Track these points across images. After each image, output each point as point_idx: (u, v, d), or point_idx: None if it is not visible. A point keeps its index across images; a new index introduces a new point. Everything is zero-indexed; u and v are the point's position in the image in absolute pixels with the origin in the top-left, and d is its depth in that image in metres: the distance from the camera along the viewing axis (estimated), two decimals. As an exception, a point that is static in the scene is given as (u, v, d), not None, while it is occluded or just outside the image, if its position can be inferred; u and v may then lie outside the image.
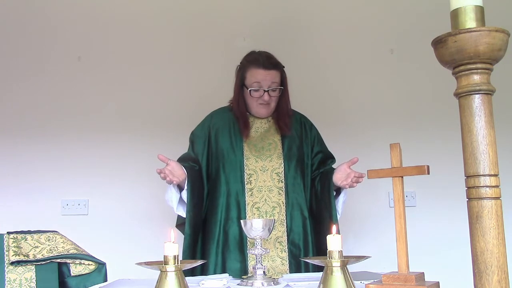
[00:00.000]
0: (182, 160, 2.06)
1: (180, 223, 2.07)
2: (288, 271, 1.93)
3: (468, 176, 0.92)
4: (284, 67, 2.10)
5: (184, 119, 2.83)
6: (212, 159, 2.08)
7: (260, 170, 2.02)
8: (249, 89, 2.03)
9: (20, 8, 2.95)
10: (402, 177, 1.25)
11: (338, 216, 2.04)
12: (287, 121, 2.08)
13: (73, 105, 2.91)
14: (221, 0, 2.98)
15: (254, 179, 2.01)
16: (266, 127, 2.11)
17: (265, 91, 2.02)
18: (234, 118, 2.10)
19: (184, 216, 1.98)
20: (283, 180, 2.01)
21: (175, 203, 1.99)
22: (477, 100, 0.92)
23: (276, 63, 2.06)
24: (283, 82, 2.08)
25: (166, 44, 2.97)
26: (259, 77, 2.02)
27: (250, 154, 2.04)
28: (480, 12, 0.92)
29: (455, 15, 0.93)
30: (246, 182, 2.00)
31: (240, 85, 2.08)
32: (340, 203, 2.06)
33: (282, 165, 2.03)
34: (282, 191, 2.01)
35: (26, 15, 2.95)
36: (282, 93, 2.08)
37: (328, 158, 2.17)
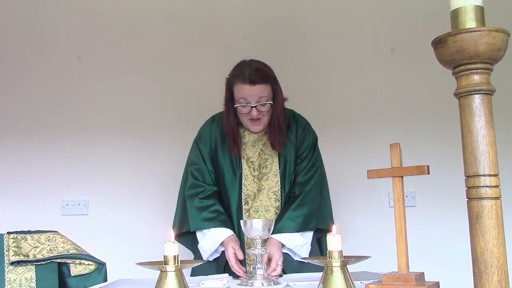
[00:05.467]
0: (205, 208, 1.95)
1: (182, 233, 2.01)
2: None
3: (468, 176, 0.92)
4: (275, 77, 1.96)
5: (184, 119, 2.84)
6: (215, 173, 2.04)
7: (258, 190, 1.98)
8: (236, 106, 1.93)
9: (20, 8, 2.95)
10: (402, 177, 1.24)
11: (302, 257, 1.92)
12: (278, 138, 1.97)
13: (73, 105, 2.92)
14: (221, 1, 2.98)
15: (251, 200, 1.97)
16: (264, 140, 2.03)
17: (252, 107, 1.90)
18: (226, 133, 2.01)
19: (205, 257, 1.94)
20: (279, 199, 1.97)
21: (208, 254, 1.93)
22: (477, 100, 0.91)
23: (264, 76, 1.90)
24: (274, 94, 1.94)
25: (166, 44, 2.97)
26: (245, 93, 1.89)
27: (249, 174, 1.99)
28: (480, 12, 0.92)
29: (455, 15, 0.93)
30: (243, 203, 1.97)
31: (229, 99, 1.97)
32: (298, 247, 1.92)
33: (279, 183, 1.98)
34: (279, 210, 1.97)
35: (26, 15, 2.95)
36: (274, 107, 1.95)
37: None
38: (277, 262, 1.78)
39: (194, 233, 1.99)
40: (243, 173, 1.99)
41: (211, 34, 2.96)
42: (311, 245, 1.96)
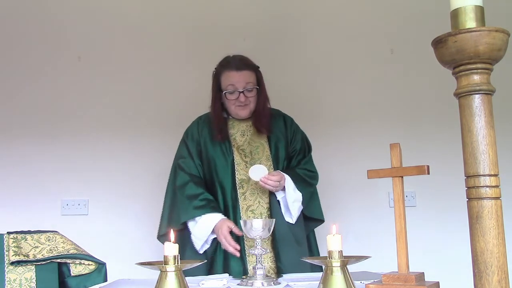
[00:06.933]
0: (194, 197, 1.99)
1: (180, 229, 2.00)
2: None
3: (468, 176, 0.92)
4: (259, 67, 2.10)
5: (184, 119, 2.82)
6: (204, 166, 2.08)
7: None
8: (224, 92, 2.03)
9: (20, 8, 2.95)
10: (402, 177, 1.24)
11: (292, 220, 2.01)
12: (264, 121, 2.06)
13: (73, 105, 2.92)
14: (221, 1, 2.98)
15: (246, 183, 2.01)
16: (252, 130, 2.10)
17: (240, 92, 2.01)
18: (212, 123, 2.08)
19: (199, 249, 1.97)
20: None
21: (203, 241, 1.95)
22: (477, 100, 0.92)
23: (249, 64, 2.06)
24: (259, 82, 2.07)
25: (166, 44, 2.97)
26: (233, 79, 2.02)
27: (240, 160, 2.04)
28: (480, 12, 0.92)
29: (455, 15, 0.93)
30: (238, 187, 2.01)
31: (217, 90, 2.07)
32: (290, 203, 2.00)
33: (272, 166, 2.04)
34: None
35: (26, 15, 2.95)
36: (259, 94, 2.07)
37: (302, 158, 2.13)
38: (280, 178, 1.91)
39: (182, 232, 1.99)
40: (234, 159, 2.04)
41: (211, 34, 2.96)
42: (298, 221, 2.03)
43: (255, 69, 2.07)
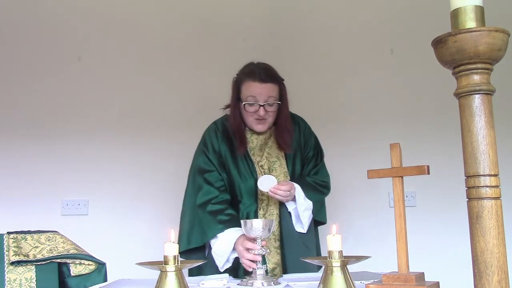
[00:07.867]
0: (219, 212, 1.89)
1: (185, 251, 1.93)
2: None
3: (468, 176, 0.92)
4: (283, 80, 1.99)
5: (184, 119, 2.84)
6: (227, 182, 1.98)
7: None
8: (243, 103, 1.93)
9: (20, 8, 2.95)
10: (402, 177, 1.24)
11: (304, 229, 1.96)
12: (286, 138, 1.97)
13: (73, 105, 2.92)
14: (221, 1, 2.98)
15: (266, 205, 1.95)
16: (270, 143, 2.02)
17: (260, 105, 1.90)
18: (232, 133, 1.98)
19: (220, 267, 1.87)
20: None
21: (224, 258, 1.83)
22: (477, 100, 0.92)
23: (274, 76, 1.93)
24: (282, 96, 1.96)
25: (166, 44, 2.97)
26: (255, 90, 1.90)
27: None
28: (480, 12, 0.92)
29: (455, 15, 0.93)
30: (259, 208, 1.94)
31: (236, 98, 1.96)
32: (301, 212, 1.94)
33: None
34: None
35: (26, 15, 2.95)
36: (281, 108, 1.97)
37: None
38: (289, 187, 1.85)
39: (200, 250, 1.94)
40: (257, 178, 1.93)
41: (211, 34, 2.96)
42: (309, 229, 1.99)
43: (279, 82, 1.95)
